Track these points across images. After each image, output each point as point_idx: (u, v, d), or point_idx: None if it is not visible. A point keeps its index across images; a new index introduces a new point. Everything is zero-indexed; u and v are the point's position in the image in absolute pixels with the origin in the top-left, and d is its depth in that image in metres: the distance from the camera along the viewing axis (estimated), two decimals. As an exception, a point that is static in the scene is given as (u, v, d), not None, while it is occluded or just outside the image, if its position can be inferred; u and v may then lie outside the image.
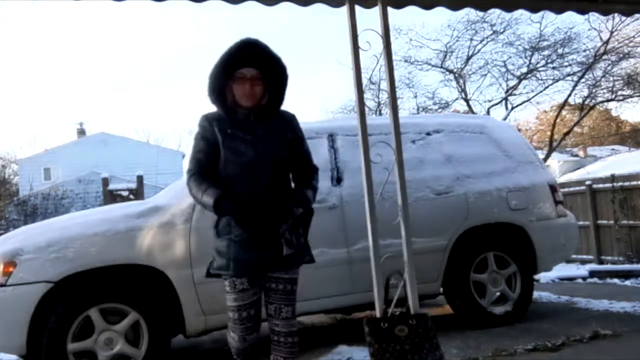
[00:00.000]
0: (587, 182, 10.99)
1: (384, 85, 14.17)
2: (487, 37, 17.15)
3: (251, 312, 2.54)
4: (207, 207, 2.48)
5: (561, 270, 7.94)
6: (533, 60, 17.24)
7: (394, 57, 3.69)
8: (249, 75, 2.51)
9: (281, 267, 2.54)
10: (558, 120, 18.54)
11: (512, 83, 17.85)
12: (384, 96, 16.98)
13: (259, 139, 2.52)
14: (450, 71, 17.96)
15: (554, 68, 17.11)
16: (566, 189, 10.68)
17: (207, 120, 2.57)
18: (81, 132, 30.95)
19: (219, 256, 2.53)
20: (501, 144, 5.18)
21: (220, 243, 2.54)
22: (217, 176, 2.54)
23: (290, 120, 2.65)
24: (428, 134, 5.00)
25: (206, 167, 2.54)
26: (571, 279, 8.06)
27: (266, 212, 2.47)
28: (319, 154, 4.12)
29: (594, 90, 17.15)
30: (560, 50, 16.67)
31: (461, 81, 18.08)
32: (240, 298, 2.51)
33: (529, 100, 18.01)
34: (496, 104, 18.19)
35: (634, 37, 15.91)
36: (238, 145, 2.50)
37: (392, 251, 3.49)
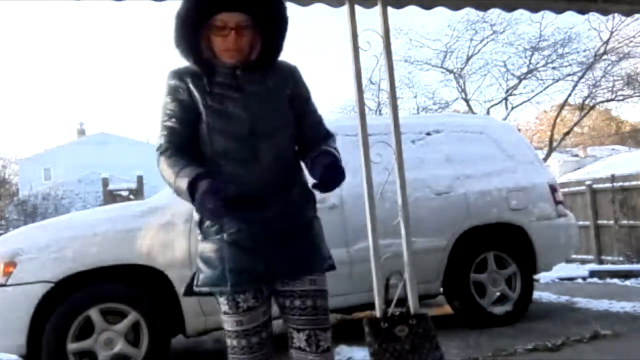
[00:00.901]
0: (587, 182, 10.98)
1: (384, 85, 14.17)
2: (487, 37, 17.20)
3: (263, 336, 1.83)
4: (182, 195, 1.71)
5: (561, 270, 7.93)
6: (533, 60, 17.30)
7: (394, 57, 3.69)
8: (233, 24, 1.75)
9: (297, 274, 1.83)
10: (558, 120, 18.57)
11: (512, 83, 17.91)
12: (384, 96, 17.00)
13: (251, 97, 1.79)
14: (450, 71, 17.99)
15: (554, 68, 17.16)
16: (566, 189, 10.68)
17: (178, 76, 1.81)
18: (81, 132, 31.01)
19: (206, 266, 1.79)
20: (501, 144, 5.18)
21: (207, 247, 1.80)
22: (199, 155, 1.82)
23: (290, 73, 1.91)
24: (428, 134, 5.00)
25: (182, 140, 1.79)
26: (571, 279, 8.06)
27: (272, 197, 1.80)
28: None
29: (594, 90, 17.20)
30: (560, 50, 16.72)
31: (461, 81, 18.12)
32: (248, 320, 1.80)
33: (529, 100, 18.07)
34: (496, 104, 18.24)
35: (634, 37, 15.94)
36: (225, 106, 1.77)
37: (392, 251, 3.48)
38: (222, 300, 1.82)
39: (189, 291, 1.86)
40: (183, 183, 1.67)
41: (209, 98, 1.78)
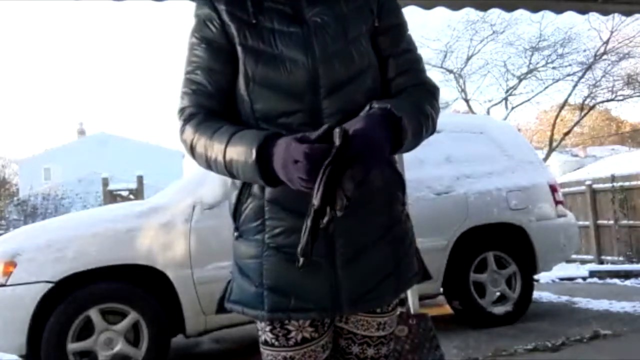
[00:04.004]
0: (587, 182, 10.99)
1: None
2: (487, 37, 17.22)
3: None
4: (237, 167, 1.12)
5: (561, 270, 7.94)
6: (533, 60, 17.34)
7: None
8: None
9: (368, 304, 1.25)
10: (558, 120, 18.59)
11: (512, 83, 17.94)
12: (384, 96, 16.96)
13: (315, 32, 1.20)
14: (450, 71, 18.00)
15: (554, 68, 17.21)
16: (566, 189, 10.68)
17: (209, 2, 1.23)
18: (81, 132, 31.01)
19: (242, 277, 1.24)
20: (501, 144, 5.18)
21: (244, 250, 1.24)
22: (237, 118, 1.23)
23: None
24: (428, 134, 5.00)
25: (214, 104, 1.22)
26: (571, 279, 8.06)
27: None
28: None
29: (594, 90, 17.23)
30: (560, 50, 16.77)
31: (461, 81, 18.13)
32: (302, 358, 1.25)
33: (529, 100, 18.11)
34: (496, 104, 18.27)
35: (634, 37, 15.97)
36: (273, 45, 1.19)
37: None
38: (262, 325, 1.25)
39: (222, 306, 1.29)
40: (246, 148, 1.08)
41: (250, 33, 1.19)
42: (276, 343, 1.23)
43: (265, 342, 1.25)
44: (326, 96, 1.18)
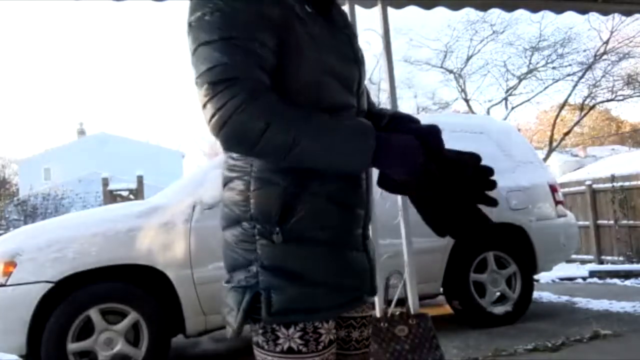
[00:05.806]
0: (587, 182, 10.98)
1: (384, 85, 14.09)
2: (487, 37, 17.22)
3: None
4: (337, 147, 1.05)
5: (561, 270, 7.94)
6: (533, 60, 17.34)
7: (393, 57, 3.69)
8: None
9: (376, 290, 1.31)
10: (558, 120, 18.59)
11: (512, 83, 17.94)
12: (384, 96, 16.98)
13: (346, 32, 1.25)
14: (450, 71, 18.01)
15: (554, 68, 17.20)
16: (566, 189, 10.67)
17: None
18: (81, 132, 31.02)
19: (289, 281, 1.10)
20: (501, 144, 5.18)
21: (297, 252, 1.11)
22: None
23: (346, 15, 1.35)
24: (428, 134, 5.00)
25: (268, 77, 1.05)
26: (571, 279, 8.07)
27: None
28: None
29: (594, 90, 17.23)
30: (560, 50, 16.76)
31: (461, 81, 18.14)
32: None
33: (529, 100, 18.10)
34: (496, 104, 18.27)
35: (634, 37, 15.96)
36: (331, 38, 1.17)
37: (392, 251, 3.49)
38: (289, 332, 1.10)
39: (241, 326, 1.11)
40: (361, 127, 1.06)
41: (312, 24, 1.12)
42: (304, 349, 1.10)
43: (290, 350, 1.10)
44: (361, 94, 1.24)
